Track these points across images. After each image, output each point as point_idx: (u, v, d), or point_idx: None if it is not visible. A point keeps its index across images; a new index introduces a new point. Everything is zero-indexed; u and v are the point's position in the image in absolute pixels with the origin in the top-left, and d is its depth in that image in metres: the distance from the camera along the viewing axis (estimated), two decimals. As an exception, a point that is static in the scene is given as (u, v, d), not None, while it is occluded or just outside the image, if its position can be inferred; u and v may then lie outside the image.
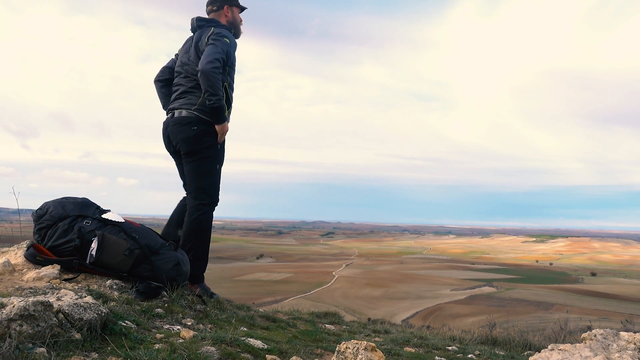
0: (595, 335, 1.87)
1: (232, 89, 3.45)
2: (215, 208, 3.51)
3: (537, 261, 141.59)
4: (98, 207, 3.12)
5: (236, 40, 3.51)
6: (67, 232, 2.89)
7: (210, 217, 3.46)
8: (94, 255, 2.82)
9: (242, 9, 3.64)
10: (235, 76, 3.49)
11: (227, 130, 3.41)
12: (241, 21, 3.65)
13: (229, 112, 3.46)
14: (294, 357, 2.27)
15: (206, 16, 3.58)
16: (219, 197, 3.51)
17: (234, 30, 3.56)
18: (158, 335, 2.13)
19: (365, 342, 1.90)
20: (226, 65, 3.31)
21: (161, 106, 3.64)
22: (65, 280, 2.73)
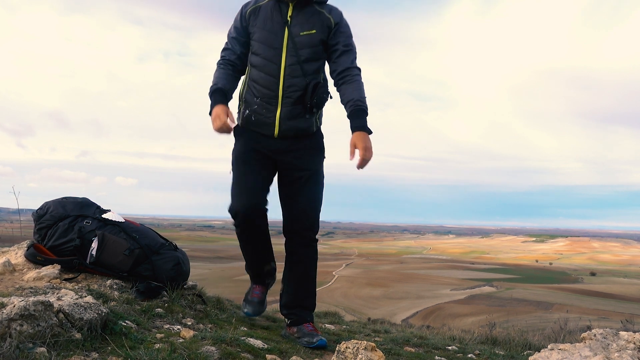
0: (594, 335, 1.87)
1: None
2: (243, 220, 2.75)
3: (537, 261, 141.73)
4: (98, 207, 3.12)
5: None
6: (68, 231, 2.89)
7: (238, 230, 2.81)
8: (94, 255, 2.82)
9: None
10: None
11: (214, 118, 2.64)
12: None
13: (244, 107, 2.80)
14: (294, 357, 2.28)
15: None
16: (241, 204, 2.73)
17: None
18: (158, 335, 2.13)
19: (365, 342, 1.90)
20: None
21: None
22: (66, 280, 2.73)
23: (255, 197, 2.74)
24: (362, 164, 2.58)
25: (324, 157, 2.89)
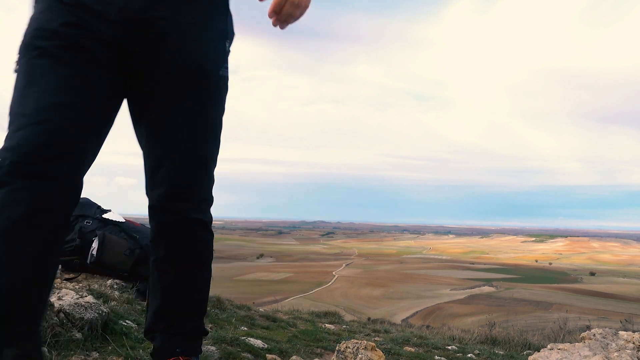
0: (594, 335, 1.88)
1: None
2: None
3: (536, 261, 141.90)
4: (99, 206, 3.12)
5: None
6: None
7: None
8: (95, 255, 2.82)
9: None
10: None
11: None
12: None
13: None
14: (294, 357, 2.28)
15: None
16: (20, 137, 1.13)
17: None
18: (159, 335, 2.13)
19: (365, 342, 1.90)
20: None
21: None
22: (66, 279, 2.74)
23: (54, 128, 1.14)
24: (278, 11, 1.26)
25: (228, 46, 1.35)
